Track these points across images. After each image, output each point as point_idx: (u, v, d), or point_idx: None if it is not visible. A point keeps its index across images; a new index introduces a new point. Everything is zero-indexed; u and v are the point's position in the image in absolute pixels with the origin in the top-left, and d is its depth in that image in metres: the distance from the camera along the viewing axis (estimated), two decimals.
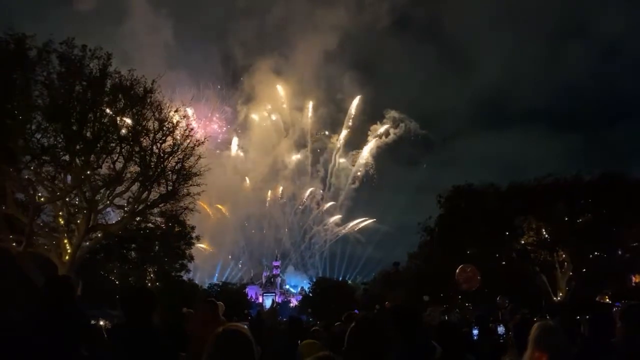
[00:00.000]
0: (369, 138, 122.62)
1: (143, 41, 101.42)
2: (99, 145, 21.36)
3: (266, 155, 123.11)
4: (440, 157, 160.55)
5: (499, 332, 13.57)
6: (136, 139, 21.98)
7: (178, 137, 22.91)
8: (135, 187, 23.09)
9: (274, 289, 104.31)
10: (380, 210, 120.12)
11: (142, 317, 3.91)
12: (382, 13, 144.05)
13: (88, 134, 21.03)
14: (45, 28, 22.82)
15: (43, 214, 23.74)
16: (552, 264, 34.74)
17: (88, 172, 21.39)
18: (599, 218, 32.75)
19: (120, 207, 24.28)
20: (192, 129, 23.66)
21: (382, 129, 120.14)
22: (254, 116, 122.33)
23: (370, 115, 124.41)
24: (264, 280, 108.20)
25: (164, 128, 22.51)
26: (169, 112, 22.94)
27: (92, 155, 21.43)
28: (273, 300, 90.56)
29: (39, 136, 20.85)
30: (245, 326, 2.93)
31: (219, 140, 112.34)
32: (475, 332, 12.41)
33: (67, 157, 21.18)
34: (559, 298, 34.34)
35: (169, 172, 23.18)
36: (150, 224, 30.31)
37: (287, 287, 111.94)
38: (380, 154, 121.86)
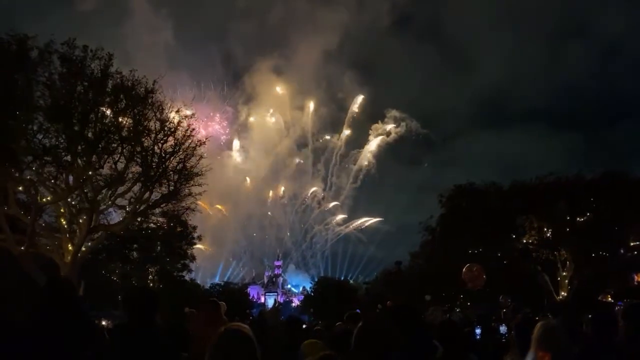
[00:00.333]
0: (370, 137, 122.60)
1: (144, 41, 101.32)
2: (100, 145, 21.40)
3: (267, 154, 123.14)
4: (441, 157, 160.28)
5: (501, 332, 13.56)
6: (138, 139, 22.00)
7: (179, 137, 22.95)
8: (136, 188, 23.13)
9: (275, 289, 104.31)
10: (382, 210, 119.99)
11: (144, 317, 3.91)
12: (383, 13, 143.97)
13: (90, 135, 21.07)
14: (46, 29, 22.92)
15: (45, 215, 23.81)
16: (554, 263, 34.70)
17: (90, 173, 21.42)
18: (600, 217, 32.71)
19: (122, 207, 24.33)
20: (193, 129, 23.68)
21: (388, 127, 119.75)
22: (255, 116, 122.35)
23: (370, 115, 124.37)
24: (265, 280, 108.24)
25: (166, 128, 22.55)
26: (170, 112, 23.01)
27: (94, 156, 21.47)
28: (275, 300, 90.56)
29: (40, 137, 20.94)
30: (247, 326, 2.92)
31: (222, 143, 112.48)
32: (478, 331, 12.41)
33: (68, 158, 21.22)
34: (561, 297, 34.31)
35: (171, 172, 23.22)
36: (152, 224, 30.34)
37: (289, 286, 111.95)
38: (382, 153, 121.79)
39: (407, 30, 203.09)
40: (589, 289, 31.58)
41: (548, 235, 34.44)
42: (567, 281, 34.57)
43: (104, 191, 22.67)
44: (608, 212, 32.11)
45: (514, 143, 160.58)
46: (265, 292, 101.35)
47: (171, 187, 23.42)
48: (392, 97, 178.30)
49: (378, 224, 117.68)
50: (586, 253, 33.40)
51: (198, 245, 44.13)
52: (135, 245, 36.24)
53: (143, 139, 22.28)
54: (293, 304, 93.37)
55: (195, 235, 38.85)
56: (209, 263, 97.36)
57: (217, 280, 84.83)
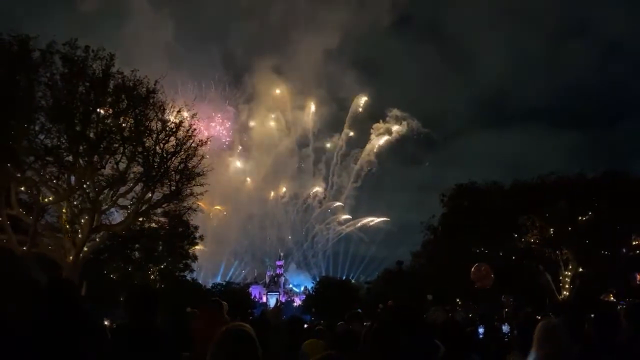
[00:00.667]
0: (371, 137, 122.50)
1: (145, 41, 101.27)
2: (102, 145, 21.43)
3: (268, 154, 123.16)
4: (442, 156, 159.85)
5: (504, 331, 13.55)
6: (139, 139, 22.03)
7: (181, 137, 22.97)
8: (138, 188, 23.17)
9: (277, 289, 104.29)
10: (383, 209, 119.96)
11: (146, 317, 3.91)
12: (383, 12, 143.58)
13: (91, 135, 21.11)
14: (48, 29, 22.90)
15: (47, 215, 23.87)
16: (557, 263, 34.64)
17: (91, 173, 21.45)
18: (601, 216, 32.65)
19: (124, 207, 24.38)
20: (194, 129, 23.71)
21: (394, 127, 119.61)
22: (256, 116, 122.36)
23: (371, 114, 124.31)
24: (267, 280, 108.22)
25: (167, 128, 22.56)
26: (172, 112, 23.03)
27: (96, 156, 21.50)
28: (277, 300, 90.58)
29: (42, 137, 20.98)
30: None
31: (224, 144, 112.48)
32: (481, 330, 12.39)
33: (70, 158, 21.26)
34: (563, 297, 34.26)
35: (172, 172, 23.24)
36: (153, 224, 30.37)
37: (291, 286, 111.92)
38: (383, 153, 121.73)
39: (407, 29, 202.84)
40: (591, 289, 31.54)
41: (551, 233, 34.37)
42: (569, 280, 34.51)
43: (105, 191, 22.70)
44: (609, 211, 32.03)
45: (515, 142, 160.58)
46: (267, 292, 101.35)
47: (173, 187, 23.44)
48: (392, 97, 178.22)
49: (380, 224, 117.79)
50: (588, 253, 33.33)
51: (199, 247, 44.13)
52: (137, 245, 36.33)
53: (145, 139, 22.30)
54: (295, 304, 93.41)
55: (197, 235, 38.93)
56: (210, 263, 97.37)
57: (218, 280, 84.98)
